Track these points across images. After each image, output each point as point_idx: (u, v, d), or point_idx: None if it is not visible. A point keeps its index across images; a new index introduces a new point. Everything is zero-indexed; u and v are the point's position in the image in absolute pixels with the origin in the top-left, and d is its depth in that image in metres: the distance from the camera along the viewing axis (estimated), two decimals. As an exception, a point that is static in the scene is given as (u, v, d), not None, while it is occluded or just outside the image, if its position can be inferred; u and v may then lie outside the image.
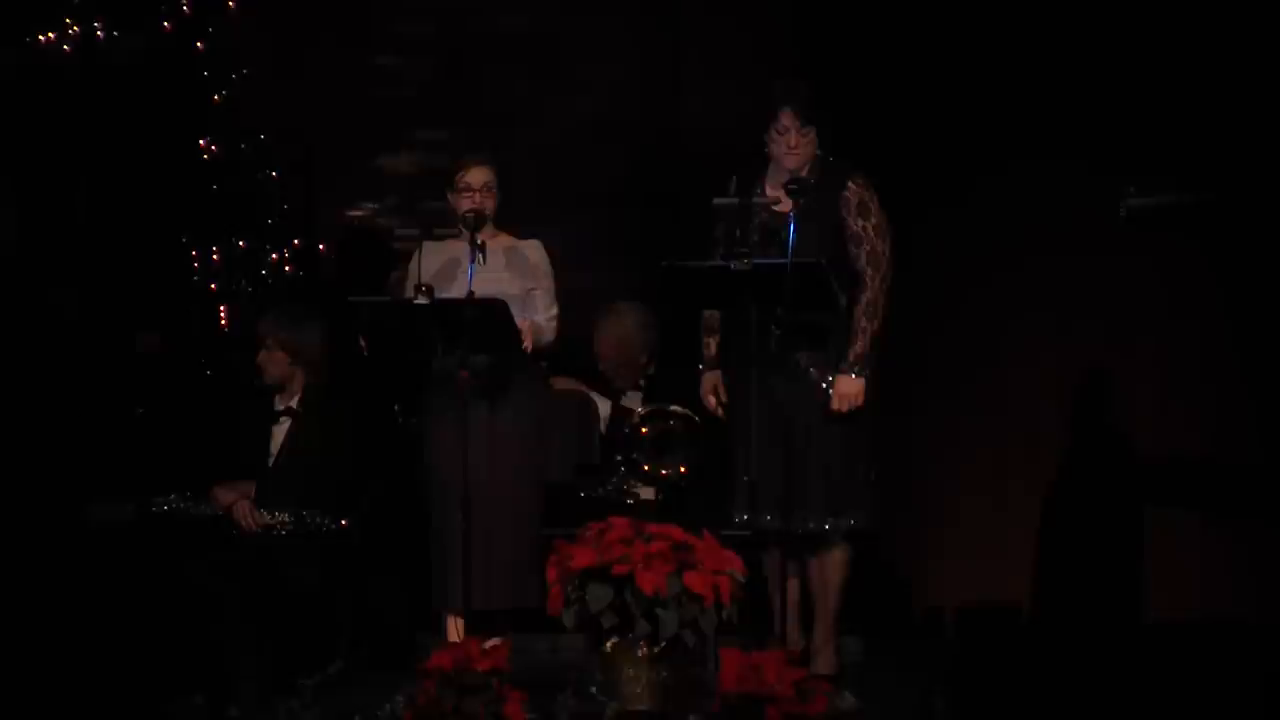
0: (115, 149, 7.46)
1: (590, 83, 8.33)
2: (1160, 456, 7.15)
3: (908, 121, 7.41)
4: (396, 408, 7.49)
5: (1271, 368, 6.91)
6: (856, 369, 6.07)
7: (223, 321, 7.65)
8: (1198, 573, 7.03)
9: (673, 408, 6.39)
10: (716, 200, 6.23)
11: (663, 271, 5.99)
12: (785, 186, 5.98)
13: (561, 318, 6.33)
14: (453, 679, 5.33)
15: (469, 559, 5.96)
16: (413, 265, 6.25)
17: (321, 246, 8.06)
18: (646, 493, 6.54)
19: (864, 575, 6.33)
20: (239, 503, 6.40)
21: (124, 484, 6.92)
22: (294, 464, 6.50)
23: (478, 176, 6.22)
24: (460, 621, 6.08)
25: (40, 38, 7.39)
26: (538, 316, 6.24)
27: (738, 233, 6.16)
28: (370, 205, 8.40)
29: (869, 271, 6.10)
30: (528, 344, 6.13)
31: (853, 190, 6.13)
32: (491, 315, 5.96)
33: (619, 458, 6.63)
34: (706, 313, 6.31)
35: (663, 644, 5.33)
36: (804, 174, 6.08)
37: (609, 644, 5.37)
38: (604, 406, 7.16)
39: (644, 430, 6.37)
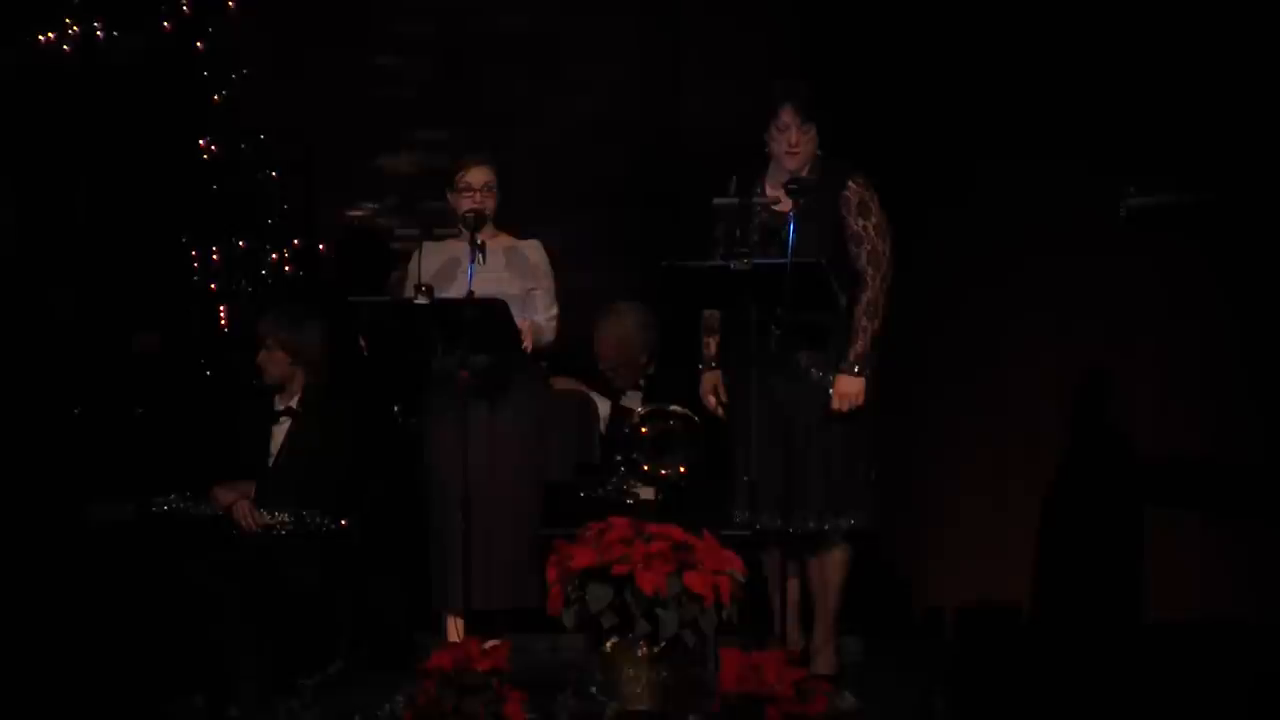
0: (115, 149, 7.46)
1: (590, 83, 8.33)
2: (1160, 456, 7.15)
3: (908, 121, 7.41)
4: (396, 408, 7.49)
5: (1271, 368, 6.91)
6: (857, 368, 6.07)
7: (223, 321, 7.65)
8: (1198, 573, 7.03)
9: (672, 408, 6.38)
10: (716, 200, 6.23)
11: (663, 271, 5.99)
12: (785, 186, 5.98)
13: (561, 318, 6.33)
14: (453, 679, 5.33)
15: (469, 559, 5.96)
16: (412, 265, 6.25)
17: (321, 246, 8.06)
18: (646, 493, 6.53)
19: (864, 575, 6.33)
20: (239, 503, 6.40)
21: (124, 484, 6.92)
22: (294, 464, 6.50)
23: (478, 176, 6.22)
24: (460, 621, 6.08)
25: (40, 38, 7.39)
26: (538, 316, 6.24)
27: (738, 233, 6.16)
28: (370, 205, 8.40)
29: (869, 271, 6.10)
30: (528, 344, 6.13)
31: (853, 190, 6.13)
32: (491, 315, 5.96)
33: (619, 458, 6.62)
34: (706, 312, 6.31)
35: (663, 644, 5.33)
36: (804, 174, 6.09)
37: (609, 644, 5.37)
38: (604, 406, 7.16)
39: (644, 430, 6.36)
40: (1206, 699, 6.01)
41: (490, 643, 5.52)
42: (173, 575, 6.37)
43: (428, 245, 6.41)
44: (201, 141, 7.68)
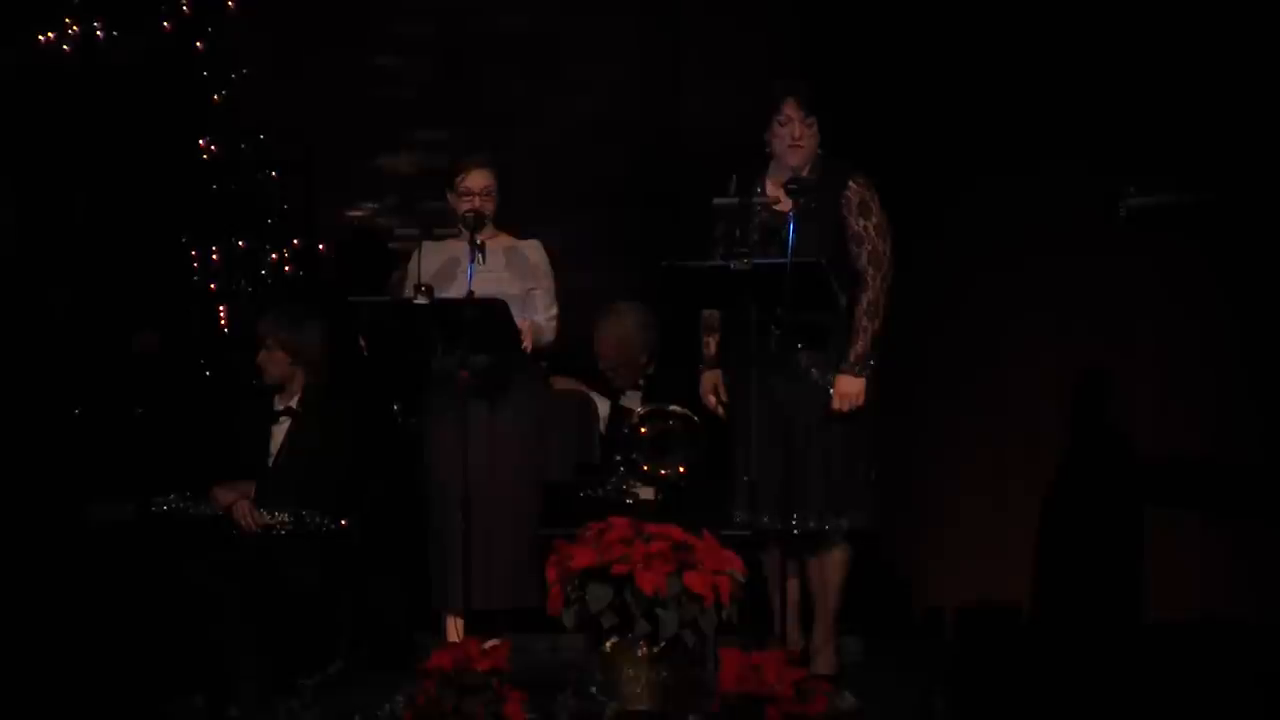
0: (115, 149, 7.46)
1: (590, 83, 8.33)
2: (1160, 456, 7.14)
3: (908, 121, 7.41)
4: (396, 408, 7.49)
5: (1271, 368, 6.91)
6: (857, 369, 6.07)
7: (223, 321, 7.65)
8: (1198, 573, 7.03)
9: (672, 408, 6.38)
10: (716, 200, 6.22)
11: (663, 271, 5.98)
12: (785, 186, 5.98)
13: (561, 318, 6.32)
14: (453, 679, 5.33)
15: (469, 559, 5.96)
16: (412, 265, 6.24)
17: (321, 246, 8.06)
18: (646, 493, 6.53)
19: (864, 575, 6.33)
20: (239, 503, 6.40)
21: (124, 484, 6.92)
22: (294, 464, 6.50)
23: (477, 180, 6.22)
24: (460, 621, 6.08)
25: (40, 38, 7.39)
26: (538, 316, 6.24)
27: (738, 233, 6.16)
28: (370, 205, 8.41)
29: (870, 271, 6.10)
30: (527, 344, 6.13)
31: (854, 190, 6.13)
32: (491, 315, 5.96)
33: (619, 458, 6.63)
34: (706, 312, 6.31)
35: (663, 644, 5.33)
36: (805, 173, 6.09)
37: (609, 644, 5.37)
38: (604, 406, 7.16)
39: (643, 430, 6.36)
40: (1206, 699, 6.01)
41: (490, 643, 5.52)
42: (173, 575, 6.37)
43: (427, 245, 6.41)
44: (201, 141, 7.68)
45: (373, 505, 6.61)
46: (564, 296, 6.36)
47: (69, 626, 6.64)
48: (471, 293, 5.95)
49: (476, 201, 6.18)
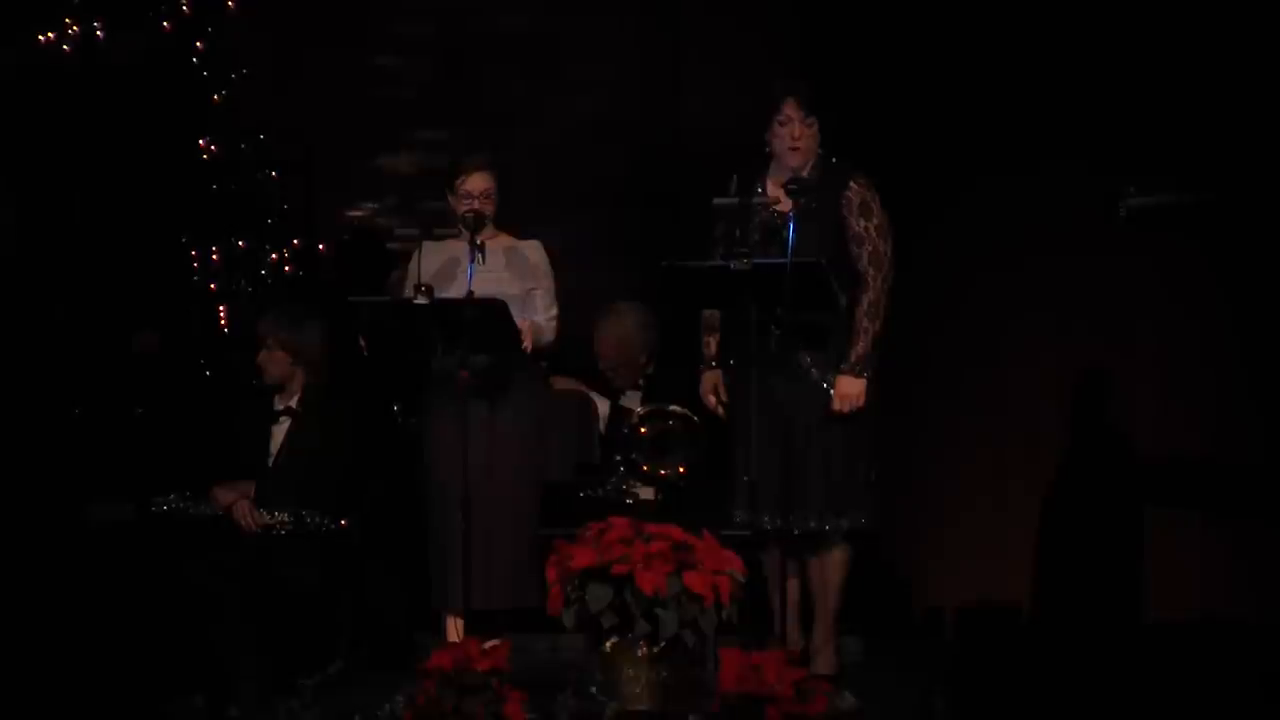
0: (115, 149, 7.47)
1: (590, 83, 8.34)
2: (1160, 456, 7.14)
3: (908, 122, 7.41)
4: (396, 408, 7.49)
5: (1271, 368, 6.91)
6: (858, 369, 6.07)
7: (223, 321, 7.65)
8: (1198, 573, 7.03)
9: (672, 408, 6.38)
10: (716, 200, 6.22)
11: (663, 271, 5.98)
12: (785, 186, 5.98)
13: (561, 318, 6.32)
14: (453, 679, 5.33)
15: (469, 559, 5.96)
16: (412, 265, 6.24)
17: (321, 246, 8.06)
18: (646, 493, 6.54)
19: (864, 575, 6.33)
20: (239, 503, 6.40)
21: (124, 484, 6.93)
22: (294, 464, 6.50)
23: (477, 183, 6.21)
24: (460, 621, 6.08)
25: (40, 38, 7.39)
26: (538, 317, 6.23)
27: (738, 232, 6.16)
28: (370, 205, 8.41)
29: (870, 272, 6.10)
30: (527, 344, 6.13)
31: (854, 190, 6.13)
32: (491, 315, 5.96)
33: (619, 458, 6.63)
34: (706, 312, 6.31)
35: (663, 644, 5.33)
36: (805, 173, 6.08)
37: (609, 644, 5.37)
38: (603, 406, 7.16)
39: (643, 430, 6.36)
40: (1206, 699, 6.01)
41: (490, 643, 5.52)
42: (173, 575, 6.37)
43: (427, 245, 6.40)
44: (201, 141, 7.69)
45: (373, 505, 6.61)
46: (564, 296, 6.35)
47: (69, 626, 6.64)
48: (471, 293, 5.95)
49: (475, 204, 6.18)
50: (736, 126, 6.49)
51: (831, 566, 6.20)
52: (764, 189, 6.21)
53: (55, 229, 7.44)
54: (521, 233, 6.36)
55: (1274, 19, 6.84)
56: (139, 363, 7.44)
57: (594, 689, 5.41)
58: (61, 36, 7.41)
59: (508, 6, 8.38)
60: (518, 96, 8.30)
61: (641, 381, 7.19)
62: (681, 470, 6.30)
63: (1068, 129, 7.22)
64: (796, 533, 6.12)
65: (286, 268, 7.87)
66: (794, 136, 6.10)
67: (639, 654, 5.35)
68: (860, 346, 6.07)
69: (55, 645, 6.56)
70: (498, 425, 6.17)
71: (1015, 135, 7.29)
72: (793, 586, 6.21)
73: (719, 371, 6.29)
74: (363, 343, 6.37)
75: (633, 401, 7.07)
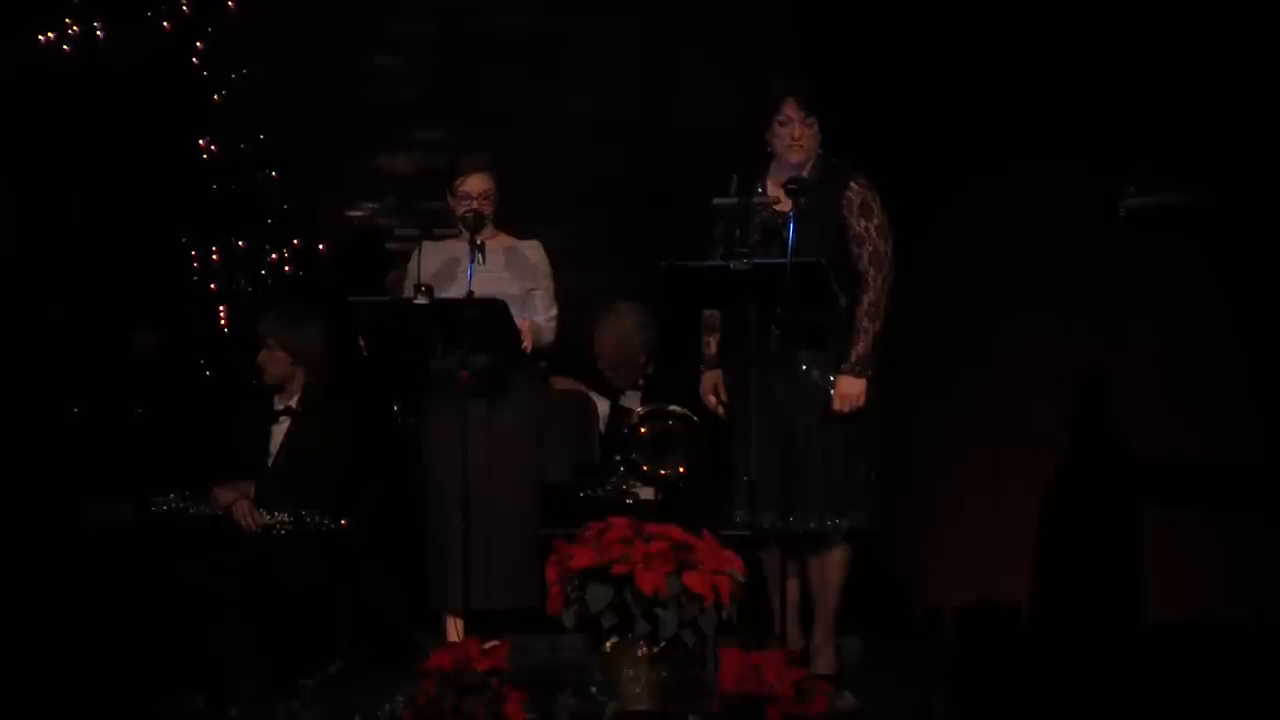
0: (115, 149, 7.46)
1: (590, 83, 8.33)
2: (1160, 456, 7.14)
3: (907, 121, 7.41)
4: (396, 408, 7.49)
5: (1271, 368, 6.91)
6: (858, 369, 6.07)
7: (223, 321, 7.65)
8: (1198, 573, 7.03)
9: (672, 408, 6.38)
10: (716, 200, 6.22)
11: (663, 271, 5.98)
12: (785, 186, 5.97)
13: (561, 318, 6.32)
14: (453, 679, 5.33)
15: (468, 559, 5.96)
16: (412, 265, 6.24)
17: (321, 246, 8.06)
18: (646, 493, 6.54)
19: (864, 575, 6.33)
20: (239, 502, 6.40)
21: (124, 484, 6.92)
22: (293, 464, 6.50)
23: (476, 184, 6.21)
24: (460, 622, 6.08)
25: (40, 38, 7.39)
26: (537, 317, 6.23)
27: (737, 232, 6.16)
28: (370, 205, 8.41)
29: (871, 272, 6.10)
30: (527, 344, 6.13)
31: (855, 190, 6.13)
32: (491, 315, 5.96)
33: (618, 458, 6.63)
34: (707, 312, 6.31)
35: (662, 644, 5.33)
36: (806, 172, 6.09)
37: (609, 644, 5.37)
38: (603, 406, 7.16)
39: (643, 430, 6.36)
40: (1206, 699, 6.01)
41: (490, 643, 5.52)
42: (173, 575, 6.37)
43: (427, 245, 6.40)
44: (201, 141, 7.69)
45: (372, 505, 6.61)
46: (564, 296, 6.35)
47: (69, 626, 6.64)
48: (471, 293, 5.95)
49: (475, 204, 6.18)
50: (736, 126, 6.49)
51: (831, 566, 6.20)
52: (764, 189, 6.21)
53: (55, 229, 7.43)
54: (521, 233, 6.36)
55: (1274, 19, 6.84)
56: (138, 362, 7.44)
57: (594, 689, 5.42)
58: (61, 36, 7.41)
59: (507, 6, 8.37)
60: (517, 96, 8.30)
61: (641, 381, 7.19)
62: (681, 470, 6.30)
63: (1068, 129, 7.22)
64: (796, 533, 6.12)
65: (286, 268, 7.87)
66: (794, 136, 6.10)
67: (639, 654, 5.35)
68: (860, 346, 6.07)
69: (55, 645, 6.56)
70: (497, 425, 6.17)
71: (1015, 135, 7.28)
72: (793, 586, 6.21)
73: (719, 372, 6.29)
74: (362, 343, 6.36)
75: (633, 401, 7.08)
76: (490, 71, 8.31)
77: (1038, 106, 7.26)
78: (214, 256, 7.68)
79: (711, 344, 6.32)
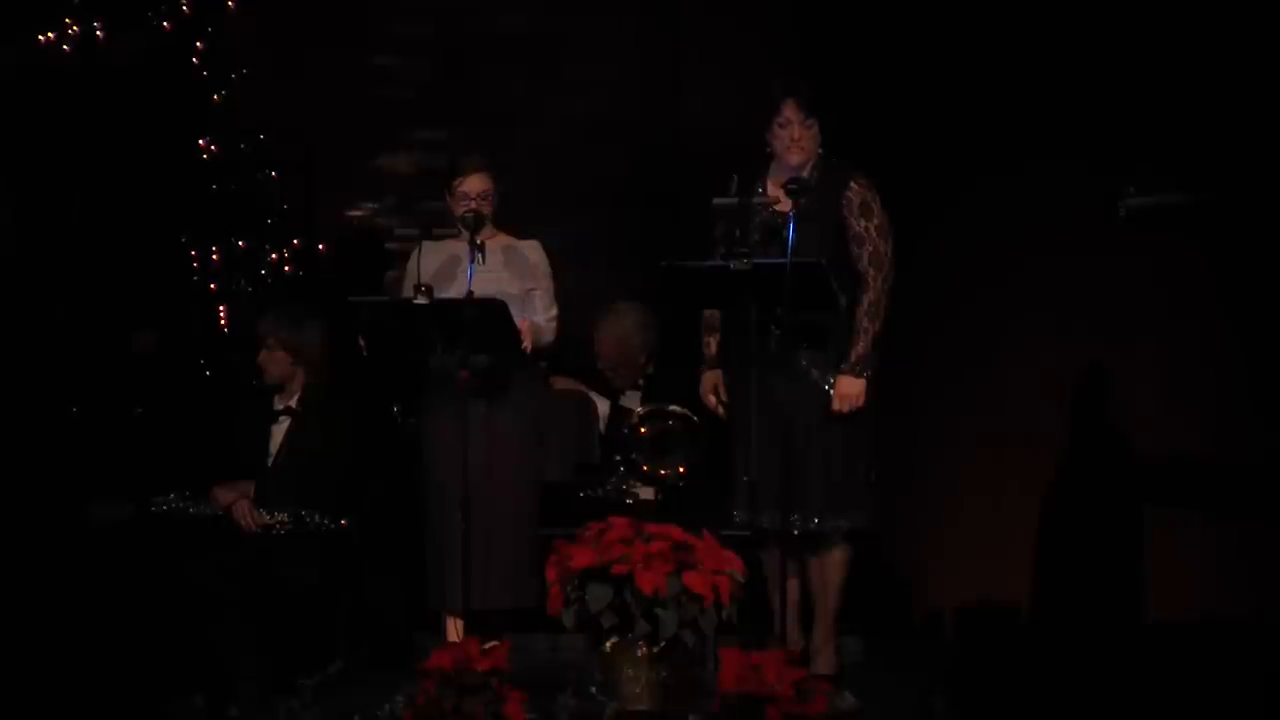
0: (115, 149, 7.46)
1: (590, 83, 8.33)
2: (1160, 456, 7.14)
3: (908, 122, 7.41)
4: (396, 408, 7.49)
5: (1271, 368, 6.91)
6: (858, 369, 6.07)
7: (223, 321, 7.65)
8: (1198, 573, 7.03)
9: (672, 408, 6.38)
10: (716, 200, 6.22)
11: (663, 271, 5.98)
12: (784, 186, 5.98)
13: (561, 318, 6.32)
14: (453, 679, 5.33)
15: (468, 559, 5.96)
16: (411, 265, 6.24)
17: (321, 246, 8.06)
18: (646, 493, 6.54)
19: (864, 575, 6.33)
20: (238, 502, 6.40)
21: (124, 484, 6.92)
22: (293, 464, 6.50)
23: (474, 185, 6.21)
24: (460, 622, 6.08)
25: (40, 38, 7.39)
26: (537, 317, 6.23)
27: (737, 232, 6.16)
28: (370, 205, 8.41)
29: (871, 272, 6.10)
30: (527, 344, 6.13)
31: (855, 191, 6.13)
32: (491, 315, 5.96)
33: (618, 458, 6.63)
34: (707, 311, 6.31)
35: (662, 644, 5.33)
36: (806, 173, 6.09)
37: (609, 644, 5.37)
38: (603, 406, 7.16)
39: (643, 430, 6.36)
40: (1206, 699, 6.01)
41: (490, 643, 5.52)
42: (173, 575, 6.37)
43: (427, 245, 6.40)
44: (201, 141, 7.69)
45: (372, 505, 6.61)
46: (564, 296, 6.35)
47: (69, 626, 6.64)
48: (471, 293, 5.95)
49: (473, 205, 6.18)
50: (736, 126, 6.49)
51: (831, 566, 6.20)
52: (764, 189, 6.21)
53: (55, 229, 7.43)
54: (521, 233, 6.36)
55: (1274, 19, 6.83)
56: (138, 362, 7.43)
57: (594, 689, 5.42)
58: (61, 36, 7.40)
59: (507, 6, 8.37)
60: (517, 96, 8.30)
61: (641, 381, 7.19)
62: (681, 470, 6.30)
63: (1068, 129, 7.21)
64: (796, 533, 6.12)
65: (286, 268, 7.87)
66: (793, 138, 6.11)
67: (639, 654, 5.35)
68: (860, 346, 6.08)
69: (55, 645, 6.56)
70: (497, 425, 6.17)
71: (1015, 135, 7.28)
72: (793, 586, 6.21)
73: (719, 372, 6.29)
74: (362, 343, 6.36)
75: (633, 401, 7.08)
76: (490, 71, 8.31)
77: (1038, 107, 7.26)
78: (214, 256, 7.67)
79: (711, 344, 6.32)
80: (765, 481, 6.04)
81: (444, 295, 6.03)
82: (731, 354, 6.20)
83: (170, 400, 7.40)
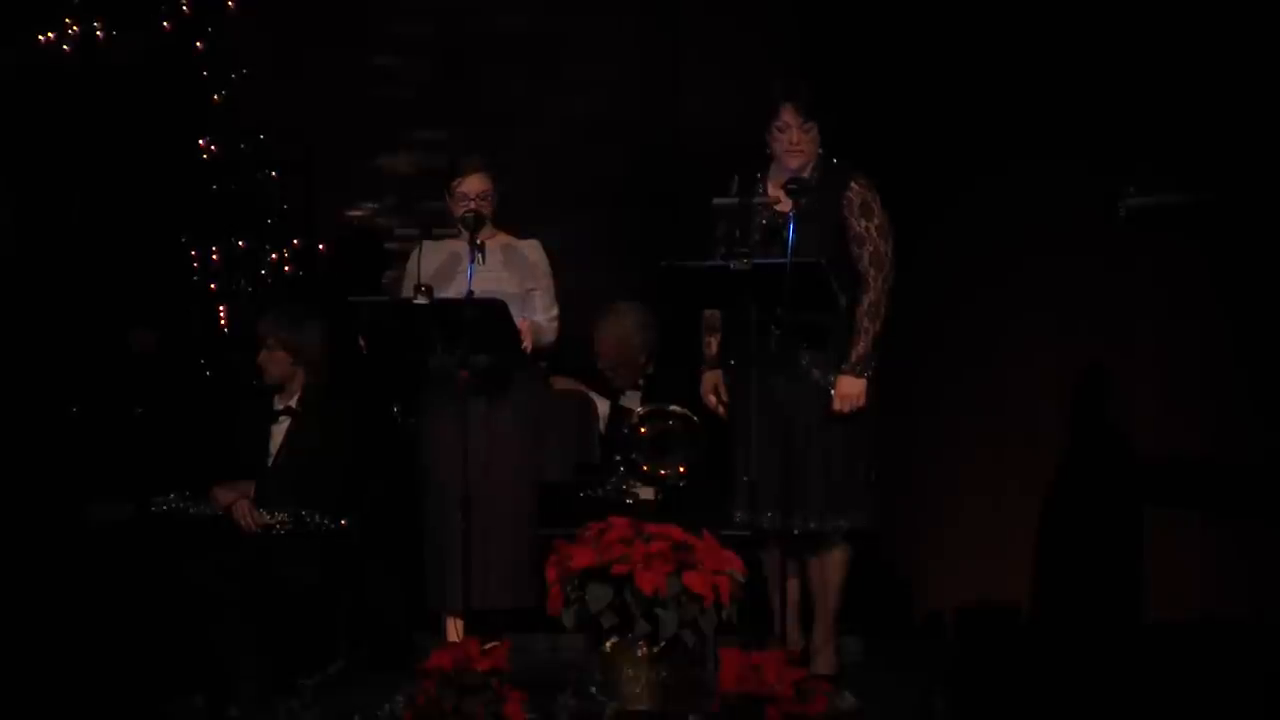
0: (115, 149, 7.46)
1: (590, 83, 8.33)
2: (1160, 456, 7.14)
3: (908, 122, 7.41)
4: (396, 408, 7.49)
5: (1271, 368, 6.91)
6: (858, 369, 6.07)
7: (223, 321, 7.66)
8: (1198, 573, 7.03)
9: (672, 408, 6.38)
10: (716, 200, 6.22)
11: (663, 271, 5.98)
12: (784, 187, 5.98)
13: (561, 318, 6.32)
14: (453, 679, 5.33)
15: (468, 559, 5.96)
16: (411, 265, 6.25)
17: (321, 246, 8.06)
18: (646, 493, 6.54)
19: (864, 575, 6.33)
20: (238, 502, 6.40)
21: (124, 484, 6.92)
22: (293, 464, 6.50)
23: (474, 185, 6.21)
24: (459, 622, 6.08)
25: (40, 38, 7.39)
26: (538, 317, 6.23)
27: (738, 233, 6.16)
28: (369, 205, 8.40)
29: (871, 272, 6.10)
30: (527, 344, 6.13)
31: (855, 191, 6.13)
32: (491, 315, 5.96)
33: (618, 458, 6.63)
34: (707, 311, 6.31)
35: (662, 644, 5.33)
36: (806, 174, 6.09)
37: (609, 644, 5.37)
38: (603, 406, 7.16)
39: (643, 430, 6.36)
40: (1206, 699, 6.01)
41: (490, 643, 5.52)
42: (173, 575, 6.37)
43: (427, 244, 6.41)
44: (201, 141, 7.69)
45: (372, 505, 6.61)
46: (564, 296, 6.35)
47: (69, 626, 6.64)
48: (471, 292, 5.95)
49: (473, 205, 6.18)
50: (736, 126, 6.49)
51: (831, 566, 6.21)
52: (764, 189, 6.21)
53: (55, 229, 7.43)
54: (521, 233, 6.36)
55: (1274, 19, 6.83)
56: (138, 362, 7.44)
57: (594, 689, 5.42)
58: (61, 36, 7.41)
59: (507, 6, 8.37)
60: (517, 96, 8.30)
61: (641, 381, 7.19)
62: (681, 470, 6.30)
63: (1068, 129, 7.21)
64: (796, 533, 6.12)
65: (286, 268, 7.87)
66: (792, 142, 6.11)
67: (639, 654, 5.35)
68: (861, 347, 6.08)
69: (55, 645, 6.56)
70: (497, 425, 6.17)
71: (1015, 135, 7.28)
72: (793, 586, 6.21)
73: (719, 372, 6.29)
74: (362, 342, 6.36)
75: (633, 401, 7.08)
76: (490, 71, 8.31)
77: (1037, 107, 7.26)
78: (214, 256, 7.68)
79: (712, 344, 6.32)
80: (765, 481, 6.04)
81: (444, 295, 6.03)
82: (732, 354, 6.20)
83: (170, 400, 7.40)
